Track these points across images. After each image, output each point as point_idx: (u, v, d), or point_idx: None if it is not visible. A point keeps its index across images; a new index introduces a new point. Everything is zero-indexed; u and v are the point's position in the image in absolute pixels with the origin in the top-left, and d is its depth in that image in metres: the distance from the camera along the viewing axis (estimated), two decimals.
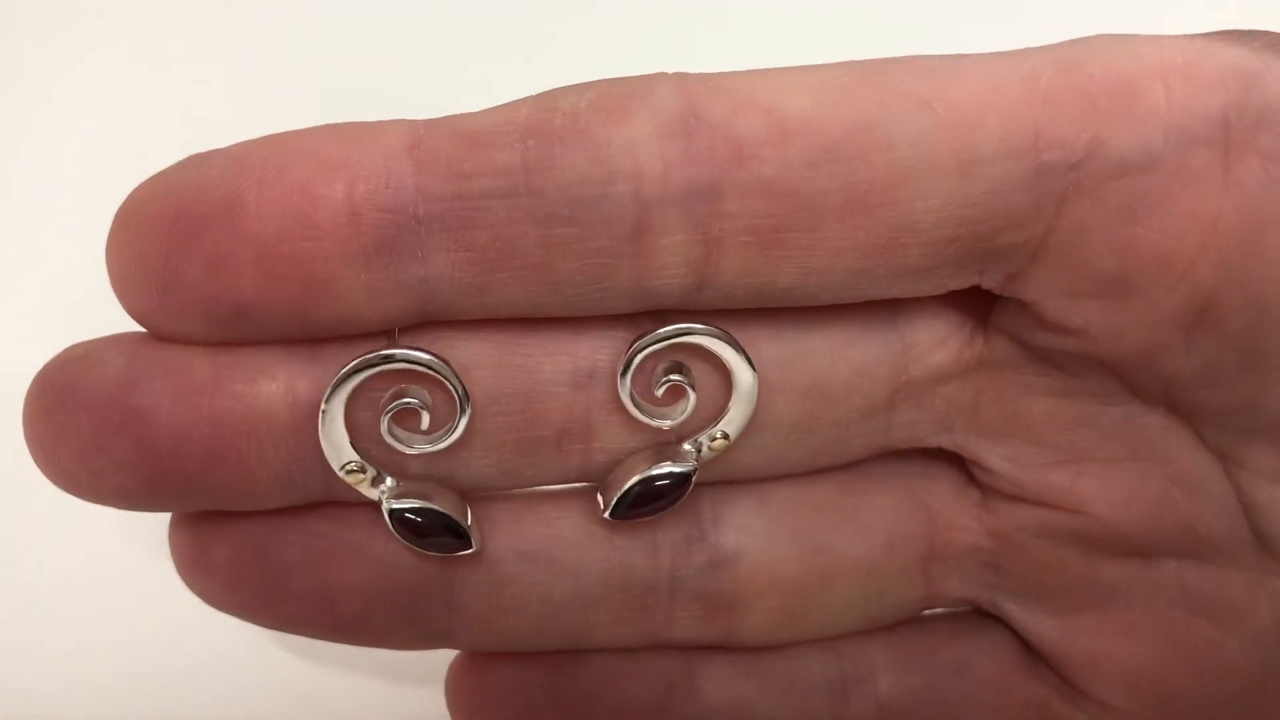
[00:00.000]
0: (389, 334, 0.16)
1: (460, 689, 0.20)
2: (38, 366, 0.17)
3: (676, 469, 0.17)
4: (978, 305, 0.18)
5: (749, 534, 0.19)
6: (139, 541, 0.25)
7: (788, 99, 0.15)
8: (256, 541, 0.18)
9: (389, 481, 0.17)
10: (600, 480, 0.18)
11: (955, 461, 0.20)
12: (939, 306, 0.18)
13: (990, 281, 0.17)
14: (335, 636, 0.19)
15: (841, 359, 0.18)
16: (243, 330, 0.16)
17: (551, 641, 0.19)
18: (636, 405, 0.17)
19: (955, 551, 0.20)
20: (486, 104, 0.16)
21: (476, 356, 0.17)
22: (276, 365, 0.16)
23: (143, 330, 0.17)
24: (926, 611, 0.21)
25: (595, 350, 0.17)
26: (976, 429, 0.19)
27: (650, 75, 0.16)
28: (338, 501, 0.18)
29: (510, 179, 0.15)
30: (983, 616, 0.21)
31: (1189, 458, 0.18)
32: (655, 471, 0.17)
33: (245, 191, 0.15)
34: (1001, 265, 0.16)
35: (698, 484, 0.18)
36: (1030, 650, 0.20)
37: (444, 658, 0.20)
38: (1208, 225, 0.15)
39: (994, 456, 0.19)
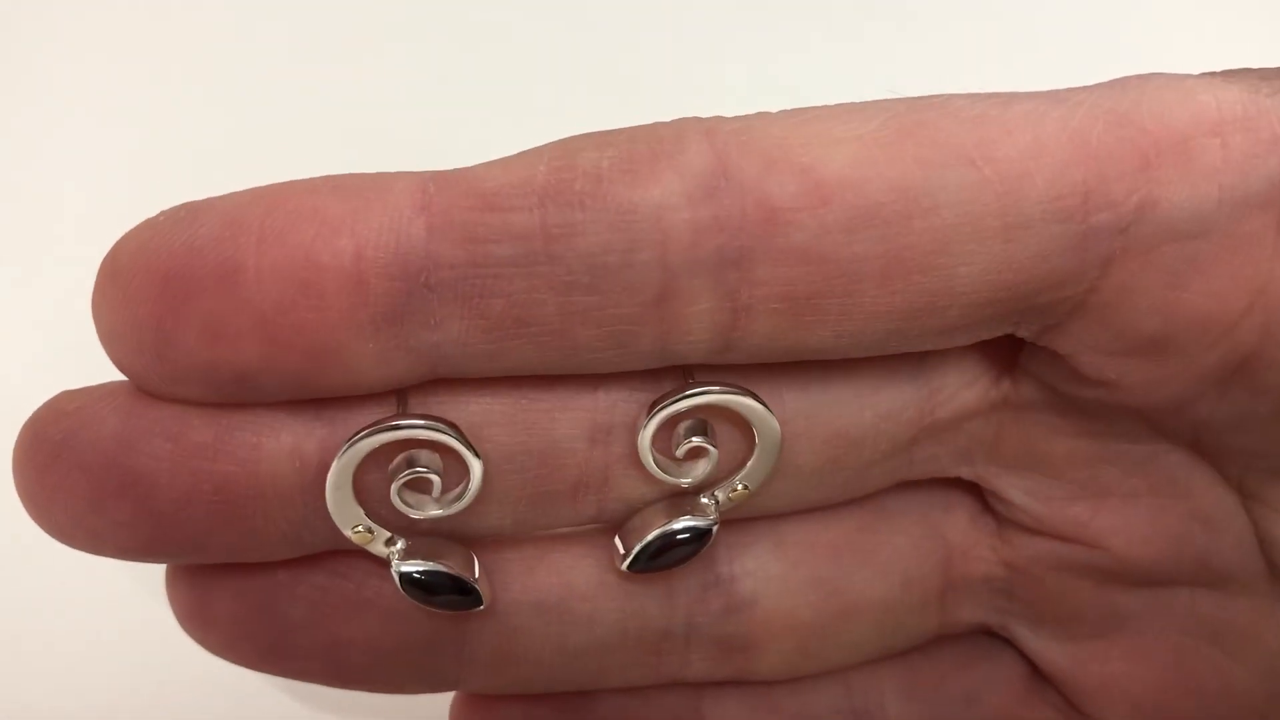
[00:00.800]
0: (399, 393, 0.16)
1: None
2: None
3: (697, 524, 0.17)
4: (1008, 349, 0.17)
5: (766, 580, 0.19)
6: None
7: (825, 155, 0.14)
8: (260, 598, 0.17)
9: (399, 543, 0.16)
10: (615, 526, 0.17)
11: (972, 490, 0.19)
12: (968, 352, 0.18)
13: (1025, 332, 0.16)
14: (343, 686, 0.18)
15: (868, 406, 0.17)
16: (244, 395, 0.15)
17: (563, 687, 0.19)
18: (657, 465, 0.16)
19: (970, 581, 0.20)
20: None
21: (490, 414, 0.16)
22: (281, 426, 0.16)
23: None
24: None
25: (613, 406, 0.16)
26: (997, 462, 0.18)
27: (678, 124, 0.15)
28: (343, 551, 0.17)
29: (528, 245, 0.14)
30: (991, 640, 0.21)
31: (1209, 494, 0.18)
32: (676, 526, 0.17)
33: (243, 255, 0.14)
34: (1039, 319, 0.16)
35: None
36: (1038, 675, 0.20)
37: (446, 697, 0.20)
38: (1255, 289, 0.15)
39: (1014, 490, 0.19)
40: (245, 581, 0.17)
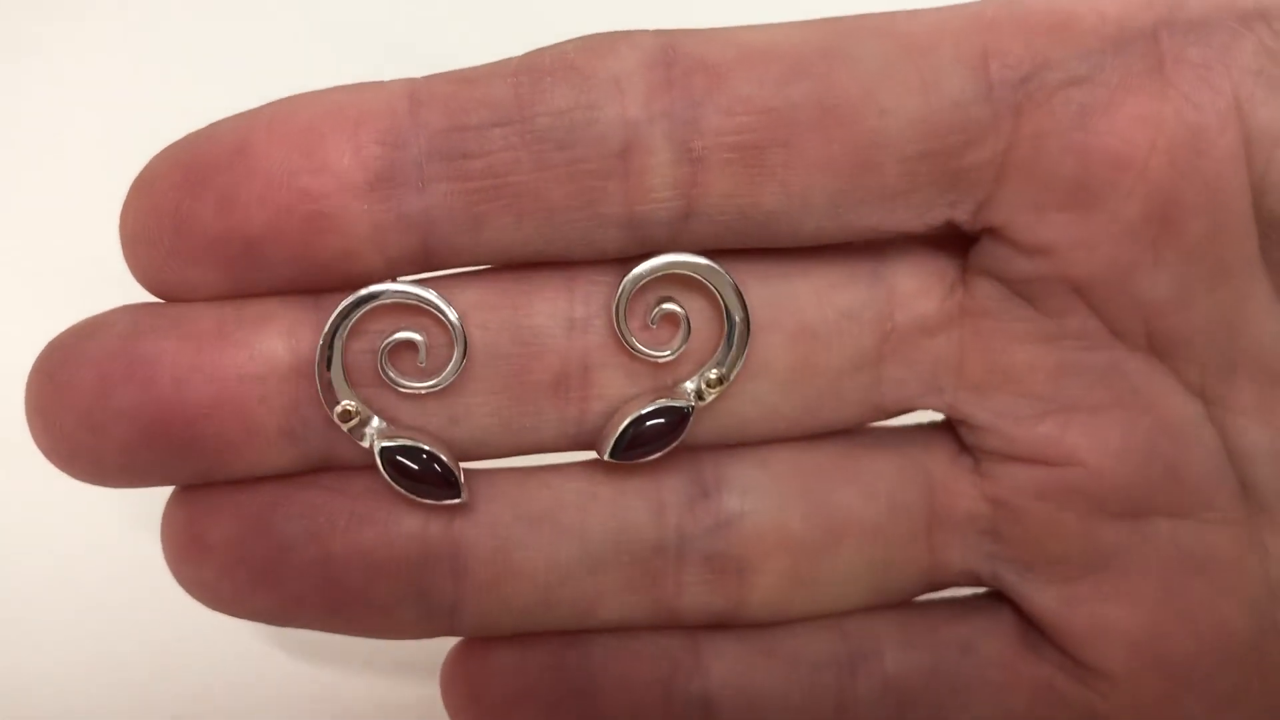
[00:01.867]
0: (389, 280, 0.17)
1: (456, 675, 0.19)
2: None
3: (673, 404, 0.17)
4: (956, 254, 0.19)
5: (753, 493, 0.19)
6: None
7: (757, 33, 0.17)
8: (256, 515, 0.17)
9: (378, 423, 0.17)
10: (598, 433, 0.18)
11: (949, 432, 0.20)
12: (919, 254, 0.19)
13: (962, 213, 0.18)
14: (337, 619, 0.18)
15: (828, 302, 0.18)
16: (250, 272, 0.16)
17: (560, 615, 0.19)
18: (629, 337, 0.17)
19: (955, 519, 0.20)
20: None
21: (473, 302, 0.17)
22: (279, 314, 0.17)
23: (151, 300, 0.17)
24: (930, 596, 0.20)
25: (589, 296, 0.18)
26: (965, 385, 0.19)
27: (629, 30, 0.17)
28: (338, 469, 0.18)
29: (503, 110, 0.16)
30: (984, 599, 0.21)
31: (1173, 402, 0.18)
32: (652, 408, 0.17)
33: (255, 134, 0.16)
34: (970, 192, 0.17)
35: (698, 447, 0.19)
36: (1032, 629, 0.20)
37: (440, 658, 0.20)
38: (1153, 126, 0.16)
39: (982, 411, 0.19)
40: (240, 502, 0.17)
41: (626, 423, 0.17)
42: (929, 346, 0.19)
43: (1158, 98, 0.16)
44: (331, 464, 0.18)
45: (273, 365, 0.17)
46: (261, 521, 0.17)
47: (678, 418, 0.17)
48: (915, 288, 0.19)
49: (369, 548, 0.18)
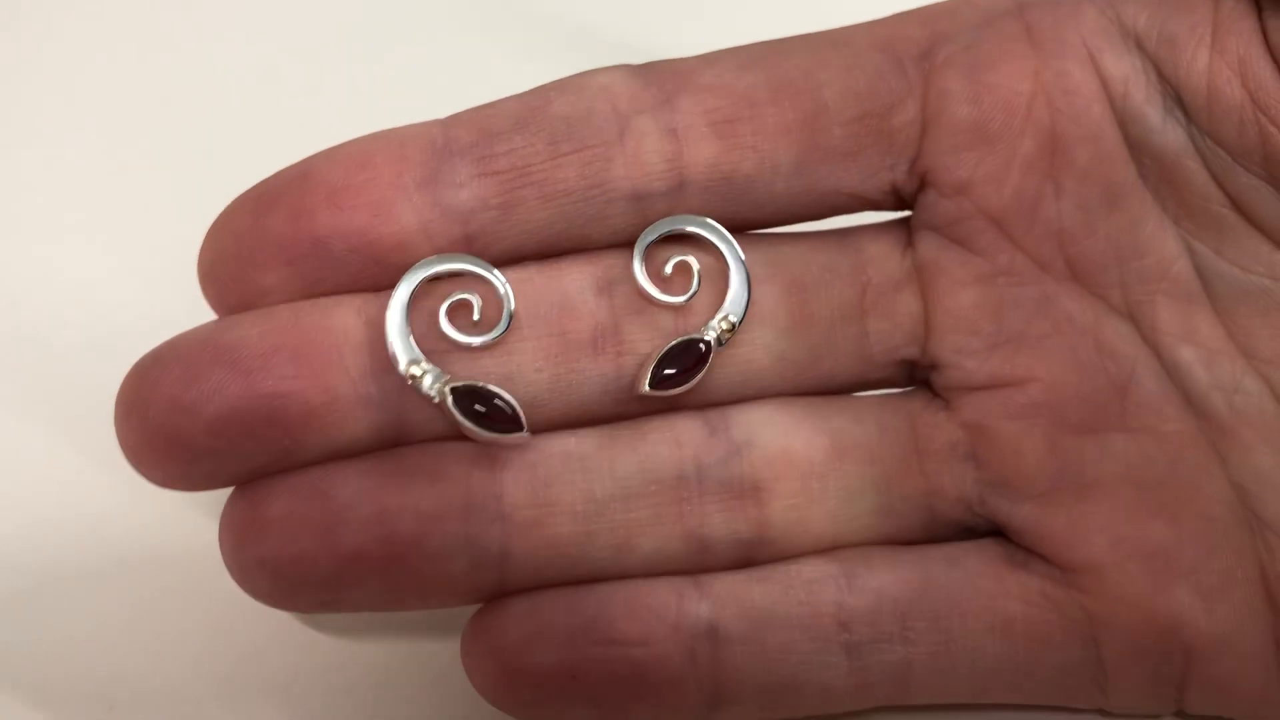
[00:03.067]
0: None
1: (475, 632, 0.20)
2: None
3: (694, 337, 0.20)
4: (904, 221, 0.22)
5: (758, 423, 0.21)
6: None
7: (712, 53, 0.22)
8: (312, 485, 0.19)
9: (445, 376, 0.19)
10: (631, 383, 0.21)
11: (923, 386, 0.22)
12: (877, 226, 0.23)
13: (900, 174, 0.21)
14: (393, 577, 0.19)
15: (812, 260, 0.22)
16: (319, 270, 0.19)
17: (600, 549, 0.20)
18: (650, 285, 0.20)
19: (937, 448, 0.22)
20: None
21: (513, 277, 0.20)
22: (348, 300, 0.20)
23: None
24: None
25: (610, 266, 0.21)
26: (930, 331, 0.22)
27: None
28: (405, 444, 0.20)
29: (519, 119, 0.20)
30: (970, 540, 0.22)
31: (1106, 325, 0.21)
32: (678, 342, 0.20)
33: (315, 163, 0.20)
34: (904, 150, 0.21)
35: (709, 405, 0.21)
36: (1018, 551, 0.21)
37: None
38: (1029, 76, 0.21)
39: (945, 351, 0.22)
40: (298, 477, 0.19)
41: (660, 356, 0.20)
42: (900, 300, 0.22)
43: (1030, 55, 0.21)
44: (402, 438, 0.20)
45: (347, 336, 0.19)
46: (316, 489, 0.19)
47: (701, 351, 0.20)
48: (878, 251, 0.22)
49: (419, 499, 0.19)
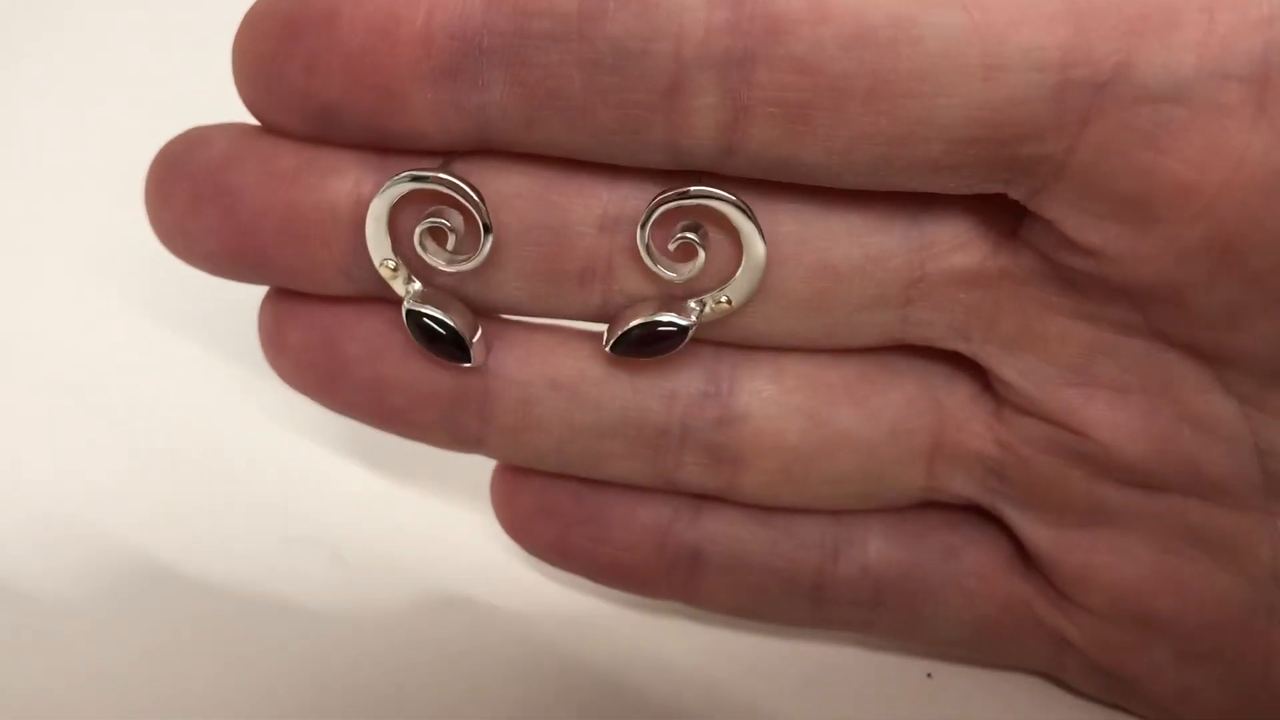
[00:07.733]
0: (447, 156, 0.19)
1: (496, 484, 0.23)
2: None
3: (677, 320, 0.19)
4: (1007, 217, 0.19)
5: (760, 400, 0.20)
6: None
7: (836, 5, 0.16)
8: (324, 330, 0.20)
9: (417, 285, 0.19)
10: (613, 320, 0.20)
11: (976, 371, 0.20)
12: (965, 211, 0.19)
13: (1017, 193, 0.17)
14: (382, 425, 0.21)
15: (858, 244, 0.19)
16: (328, 129, 0.18)
17: (569, 463, 0.21)
18: (650, 254, 0.19)
19: (962, 454, 0.21)
20: None
21: (518, 188, 0.19)
22: (348, 166, 0.19)
23: (252, 123, 0.19)
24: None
25: (625, 200, 0.19)
26: (994, 340, 0.19)
27: None
28: (398, 302, 0.20)
29: (565, 24, 0.17)
30: (981, 516, 0.22)
31: (1205, 398, 0.18)
32: (657, 319, 0.19)
33: (342, 6, 0.17)
34: (1026, 179, 0.17)
35: (721, 344, 0.20)
36: (1022, 552, 0.21)
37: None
38: (1233, 162, 0.16)
39: (1008, 369, 0.20)
40: (315, 315, 0.20)
41: (630, 326, 0.19)
42: (963, 299, 0.19)
43: (1246, 130, 0.16)
44: (386, 298, 0.20)
45: (335, 214, 0.19)
46: (328, 338, 0.20)
47: (677, 332, 0.19)
48: (953, 243, 0.19)
49: (413, 378, 0.21)
